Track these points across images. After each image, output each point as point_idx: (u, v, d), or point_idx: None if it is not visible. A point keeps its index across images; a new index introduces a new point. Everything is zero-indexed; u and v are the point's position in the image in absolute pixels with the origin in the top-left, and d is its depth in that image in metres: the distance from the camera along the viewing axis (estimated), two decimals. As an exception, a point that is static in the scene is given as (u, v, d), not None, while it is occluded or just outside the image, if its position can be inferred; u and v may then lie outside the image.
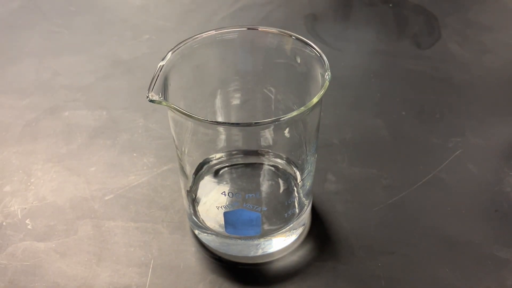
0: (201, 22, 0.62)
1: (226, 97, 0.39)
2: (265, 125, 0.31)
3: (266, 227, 0.36)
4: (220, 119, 0.39)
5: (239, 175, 0.40)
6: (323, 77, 0.32)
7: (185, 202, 0.38)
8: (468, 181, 0.42)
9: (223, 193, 0.36)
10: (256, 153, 0.40)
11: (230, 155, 0.40)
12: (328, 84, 0.31)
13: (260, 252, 0.36)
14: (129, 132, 0.47)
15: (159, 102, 0.30)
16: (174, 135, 0.34)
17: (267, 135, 0.35)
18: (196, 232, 0.38)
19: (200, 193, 0.39)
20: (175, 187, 0.42)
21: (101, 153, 0.45)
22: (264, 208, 0.36)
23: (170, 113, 0.33)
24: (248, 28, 0.36)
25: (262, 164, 0.40)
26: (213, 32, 0.35)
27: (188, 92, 0.36)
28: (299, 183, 0.37)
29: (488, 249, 0.37)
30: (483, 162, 0.44)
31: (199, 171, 0.39)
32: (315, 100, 0.30)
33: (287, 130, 0.34)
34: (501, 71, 0.54)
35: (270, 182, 0.39)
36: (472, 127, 0.47)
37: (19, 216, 0.40)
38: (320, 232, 0.38)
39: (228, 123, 0.33)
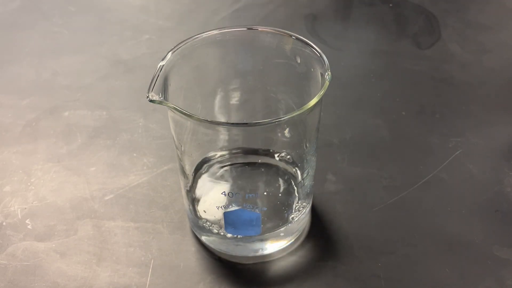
0: (201, 22, 0.62)
1: (226, 97, 0.39)
2: (265, 125, 0.31)
3: (266, 227, 0.36)
4: (220, 119, 0.39)
5: (239, 175, 0.40)
6: (323, 77, 0.32)
7: (185, 202, 0.38)
8: (468, 181, 0.42)
9: (223, 193, 0.36)
10: (256, 153, 0.40)
11: (230, 155, 0.40)
12: (328, 84, 0.31)
13: (260, 252, 0.36)
14: (129, 132, 0.47)
15: (159, 102, 0.30)
16: (174, 135, 0.34)
17: (267, 135, 0.35)
18: (196, 232, 0.38)
19: (200, 193, 0.39)
20: (175, 187, 0.42)
21: (101, 153, 0.45)
22: (264, 208, 0.36)
23: (170, 113, 0.33)
24: (248, 28, 0.36)
25: (262, 164, 0.40)
26: (213, 32, 0.35)
27: (188, 92, 0.36)
28: (299, 183, 0.37)
29: (488, 249, 0.37)
30: (483, 162, 0.44)
31: (199, 171, 0.39)
32: (315, 100, 0.30)
33: (287, 130, 0.34)
34: (501, 71, 0.54)
35: (270, 182, 0.39)
36: (472, 127, 0.47)
37: (19, 216, 0.40)
38: (320, 232, 0.38)
39: (228, 123, 0.34)
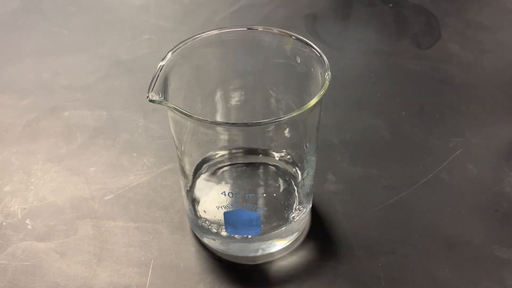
0: (201, 22, 0.62)
1: (226, 97, 0.39)
2: (265, 125, 0.31)
3: (266, 227, 0.36)
4: (220, 119, 0.39)
5: (239, 175, 0.40)
6: (323, 77, 0.32)
7: (185, 202, 0.38)
8: (468, 181, 0.42)
9: (223, 193, 0.36)
10: (256, 153, 0.40)
11: (230, 155, 0.40)
12: (328, 84, 0.31)
13: (260, 252, 0.36)
14: (129, 132, 0.47)
15: (159, 102, 0.30)
16: (174, 135, 0.34)
17: (267, 135, 0.35)
18: (196, 232, 0.38)
19: (200, 193, 0.39)
20: (175, 187, 0.42)
21: (101, 153, 0.45)
22: (264, 208, 0.36)
23: (170, 113, 0.33)
24: (248, 28, 0.36)
25: (262, 164, 0.40)
26: (213, 32, 0.35)
27: (188, 92, 0.36)
28: (299, 183, 0.37)
29: (488, 249, 0.37)
30: (483, 162, 0.44)
31: (199, 171, 0.39)
32: (315, 100, 0.30)
33: (287, 130, 0.34)
34: (501, 71, 0.54)
35: (270, 182, 0.39)
36: (472, 127, 0.47)
37: (19, 216, 0.40)
38: (320, 232, 0.38)
39: (228, 123, 0.33)
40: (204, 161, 0.39)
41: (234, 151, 0.40)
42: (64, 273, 0.36)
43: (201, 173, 0.39)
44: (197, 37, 0.35)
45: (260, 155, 0.40)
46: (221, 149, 0.40)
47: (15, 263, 0.37)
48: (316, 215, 0.40)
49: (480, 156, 0.44)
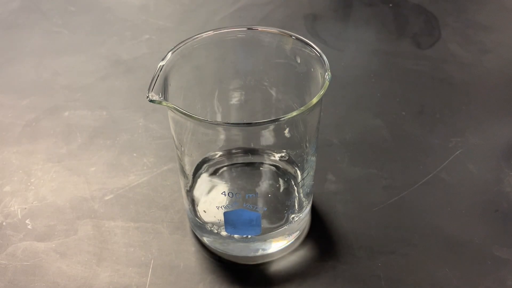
0: (201, 22, 0.62)
1: (226, 97, 0.39)
2: (265, 125, 0.31)
3: (266, 227, 0.36)
4: (220, 119, 0.39)
5: (239, 175, 0.40)
6: (323, 77, 0.32)
7: (185, 202, 0.38)
8: (468, 181, 0.42)
9: (223, 193, 0.36)
10: (256, 153, 0.40)
11: (230, 155, 0.40)
12: (328, 84, 0.31)
13: (260, 252, 0.36)
14: (129, 132, 0.47)
15: (159, 102, 0.30)
16: (174, 135, 0.34)
17: (267, 135, 0.35)
18: (196, 232, 0.38)
19: (200, 193, 0.39)
20: (175, 187, 0.42)
21: (101, 153, 0.45)
22: (264, 208, 0.36)
23: (170, 113, 0.33)
24: (248, 28, 0.36)
25: (262, 164, 0.40)
26: (213, 32, 0.35)
27: (188, 92, 0.36)
28: (299, 183, 0.37)
29: (488, 249, 0.37)
30: (483, 162, 0.44)
31: (199, 171, 0.39)
32: (315, 100, 0.30)
33: (287, 130, 0.34)
34: (501, 71, 0.54)
35: (270, 182, 0.39)
36: (472, 127, 0.47)
37: (19, 216, 0.40)
38: (320, 232, 0.38)
39: (228, 123, 0.33)
40: (204, 161, 0.39)
41: (234, 151, 0.40)
42: (64, 273, 0.36)
43: (201, 173, 0.39)
44: (197, 37, 0.35)
45: (260, 155, 0.40)
46: (221, 149, 0.40)
47: (15, 263, 0.37)
48: (316, 215, 0.40)
49: (480, 156, 0.44)
